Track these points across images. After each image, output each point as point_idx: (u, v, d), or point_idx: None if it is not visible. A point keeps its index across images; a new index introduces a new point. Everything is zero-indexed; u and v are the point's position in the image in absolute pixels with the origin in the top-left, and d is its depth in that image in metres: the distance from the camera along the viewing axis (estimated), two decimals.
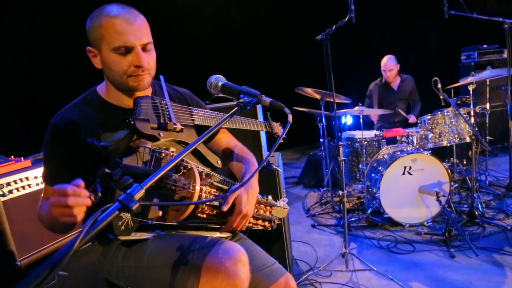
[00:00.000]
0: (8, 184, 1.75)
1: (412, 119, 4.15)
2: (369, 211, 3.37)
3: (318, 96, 3.73)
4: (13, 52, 3.69)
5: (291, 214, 3.83)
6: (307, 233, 3.39)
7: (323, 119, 3.89)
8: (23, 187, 1.81)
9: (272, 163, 2.56)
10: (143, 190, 0.71)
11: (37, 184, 1.87)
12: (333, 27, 2.83)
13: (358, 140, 3.71)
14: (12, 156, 1.94)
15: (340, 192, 2.60)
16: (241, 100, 1.06)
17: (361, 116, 3.55)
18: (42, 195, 1.39)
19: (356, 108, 3.52)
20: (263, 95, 1.09)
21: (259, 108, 2.41)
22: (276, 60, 5.77)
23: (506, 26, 3.18)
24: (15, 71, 3.70)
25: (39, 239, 1.85)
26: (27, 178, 1.83)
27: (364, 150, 3.60)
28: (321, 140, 4.15)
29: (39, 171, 1.89)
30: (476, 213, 3.06)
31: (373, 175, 3.41)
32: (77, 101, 1.37)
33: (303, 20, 5.84)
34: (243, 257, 1.17)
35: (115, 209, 0.65)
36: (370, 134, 3.76)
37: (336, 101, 3.44)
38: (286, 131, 1.02)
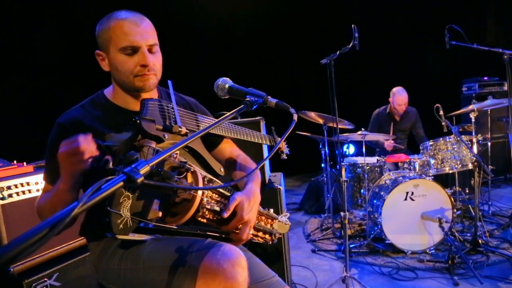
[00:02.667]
0: (9, 187, 1.74)
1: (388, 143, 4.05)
2: (370, 237, 3.31)
3: (321, 121, 3.76)
4: (21, 59, 3.76)
5: (291, 239, 3.76)
6: (307, 258, 3.32)
7: (326, 144, 3.90)
8: (23, 192, 1.79)
9: (273, 182, 2.55)
10: (149, 166, 0.71)
11: (37, 190, 1.86)
12: (337, 53, 2.89)
13: (360, 165, 3.70)
14: (15, 161, 1.94)
15: (342, 213, 2.57)
16: (247, 99, 1.08)
17: (363, 141, 3.56)
18: (42, 190, 1.39)
19: (359, 132, 3.53)
20: (269, 96, 1.10)
21: (262, 125, 2.43)
22: (279, 82, 5.87)
23: (505, 57, 3.23)
24: (23, 79, 3.76)
25: None
26: (27, 183, 1.82)
27: (366, 175, 3.58)
28: (323, 165, 4.14)
29: (40, 177, 1.88)
30: (480, 241, 3.00)
31: (375, 201, 3.37)
32: (84, 102, 1.39)
33: (307, 42, 5.96)
34: (242, 260, 1.14)
35: (119, 180, 0.65)
36: (372, 160, 3.75)
37: (339, 126, 3.47)
38: (290, 130, 1.02)
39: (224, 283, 1.08)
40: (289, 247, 2.65)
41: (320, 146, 4.11)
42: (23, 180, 1.81)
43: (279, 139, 1.92)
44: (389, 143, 4.05)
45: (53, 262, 1.87)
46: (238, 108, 1.04)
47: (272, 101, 1.10)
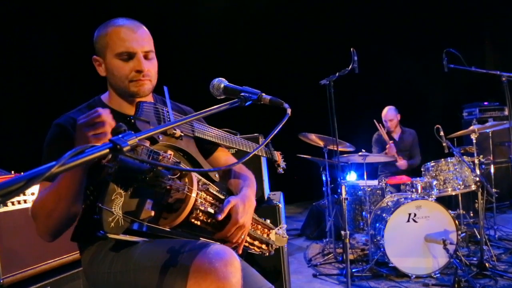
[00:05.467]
0: None
1: (401, 162, 4.13)
2: (374, 260, 3.22)
3: (321, 143, 3.76)
4: (19, 67, 3.82)
5: (292, 264, 3.67)
6: (308, 282, 3.22)
7: (326, 167, 3.88)
8: (19, 202, 1.78)
9: (272, 199, 2.53)
10: (136, 139, 0.70)
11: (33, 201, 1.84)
12: (336, 74, 2.93)
13: (362, 187, 3.66)
14: (13, 172, 1.94)
15: (343, 232, 2.52)
16: (241, 95, 1.09)
17: (364, 163, 3.54)
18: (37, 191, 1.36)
19: (359, 153, 3.52)
20: (263, 93, 1.11)
21: (261, 141, 2.43)
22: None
23: (504, 79, 3.26)
24: (20, 89, 3.80)
25: (27, 259, 1.78)
26: (23, 193, 1.81)
27: (367, 197, 3.53)
28: (324, 188, 4.10)
29: (36, 188, 1.86)
30: (487, 265, 2.91)
31: (377, 224, 3.31)
32: (81, 107, 1.41)
33: (307, 62, 6.04)
34: (235, 261, 1.10)
35: (105, 146, 0.64)
36: (374, 182, 3.72)
37: (340, 149, 3.46)
38: (283, 122, 1.02)
39: (216, 283, 1.04)
40: (290, 270, 2.58)
41: (321, 170, 4.09)
42: None
43: (275, 152, 1.92)
44: (401, 163, 4.11)
45: (45, 275, 1.83)
46: (231, 102, 1.04)
47: (266, 97, 1.11)
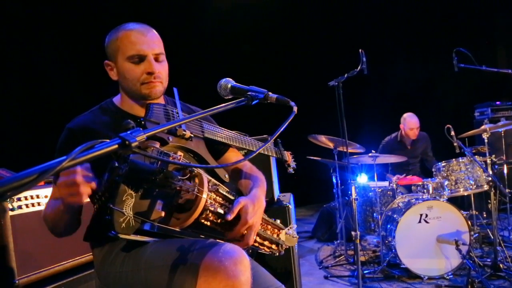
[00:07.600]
0: (19, 199, 1.77)
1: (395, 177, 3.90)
2: (386, 261, 3.19)
3: (331, 145, 3.74)
4: (31, 70, 3.89)
5: (303, 266, 3.66)
6: (319, 284, 3.21)
7: (336, 169, 3.87)
8: (33, 205, 1.81)
9: (282, 201, 2.52)
10: (144, 135, 0.72)
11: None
12: (345, 75, 2.93)
13: (372, 188, 3.64)
14: None
15: (353, 233, 2.50)
16: (248, 94, 1.10)
17: (374, 164, 3.52)
18: (49, 196, 1.39)
19: (369, 154, 3.50)
20: (269, 92, 1.13)
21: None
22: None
23: None
24: (32, 90, 3.87)
25: (41, 260, 1.81)
26: (37, 196, 1.85)
27: (378, 199, 3.51)
28: (334, 190, 4.08)
29: (49, 191, 1.90)
30: (501, 266, 2.86)
31: (388, 225, 3.28)
32: (94, 108, 1.44)
33: (316, 64, 6.03)
34: (244, 260, 1.11)
35: (114, 142, 0.66)
36: (384, 183, 3.69)
37: (350, 150, 3.45)
38: (290, 119, 1.03)
39: (226, 281, 1.05)
40: (300, 272, 2.58)
41: (331, 171, 4.08)
42: (33, 192, 1.84)
43: (285, 152, 1.92)
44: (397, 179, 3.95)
45: (59, 276, 1.86)
46: (237, 100, 1.06)
47: (273, 96, 1.12)
